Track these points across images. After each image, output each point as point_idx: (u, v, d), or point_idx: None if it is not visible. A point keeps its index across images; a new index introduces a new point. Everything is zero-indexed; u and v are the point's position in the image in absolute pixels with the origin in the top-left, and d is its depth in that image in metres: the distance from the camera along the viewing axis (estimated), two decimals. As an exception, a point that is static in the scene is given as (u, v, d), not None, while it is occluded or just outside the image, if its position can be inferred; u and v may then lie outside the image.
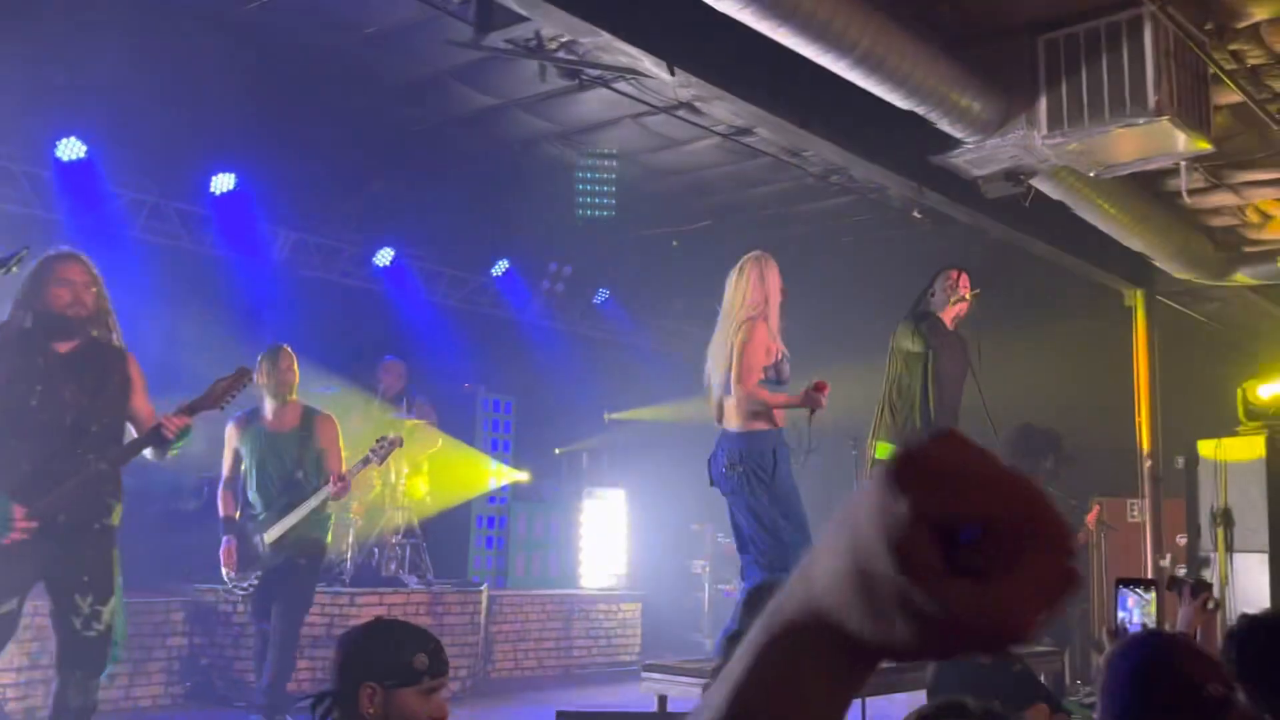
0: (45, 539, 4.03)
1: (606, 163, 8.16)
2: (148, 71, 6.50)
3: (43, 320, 4.20)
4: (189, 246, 8.14)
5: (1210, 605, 3.37)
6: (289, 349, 5.93)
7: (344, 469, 5.90)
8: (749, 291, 5.06)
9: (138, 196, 7.79)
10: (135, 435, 4.34)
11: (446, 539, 8.88)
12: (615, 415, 11.36)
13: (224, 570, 5.81)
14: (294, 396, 5.93)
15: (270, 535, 5.74)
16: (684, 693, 4.62)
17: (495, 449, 9.86)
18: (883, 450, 5.92)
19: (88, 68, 6.31)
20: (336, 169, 7.89)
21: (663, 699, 4.70)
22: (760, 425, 4.97)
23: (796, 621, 0.60)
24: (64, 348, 4.22)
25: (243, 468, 5.87)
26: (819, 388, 5.02)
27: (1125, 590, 2.48)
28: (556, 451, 10.81)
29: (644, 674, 4.82)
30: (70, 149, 7.15)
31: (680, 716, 3.99)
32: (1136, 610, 2.46)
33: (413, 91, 7.40)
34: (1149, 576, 2.56)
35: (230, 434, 5.88)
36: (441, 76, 7.18)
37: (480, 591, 8.21)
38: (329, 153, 7.62)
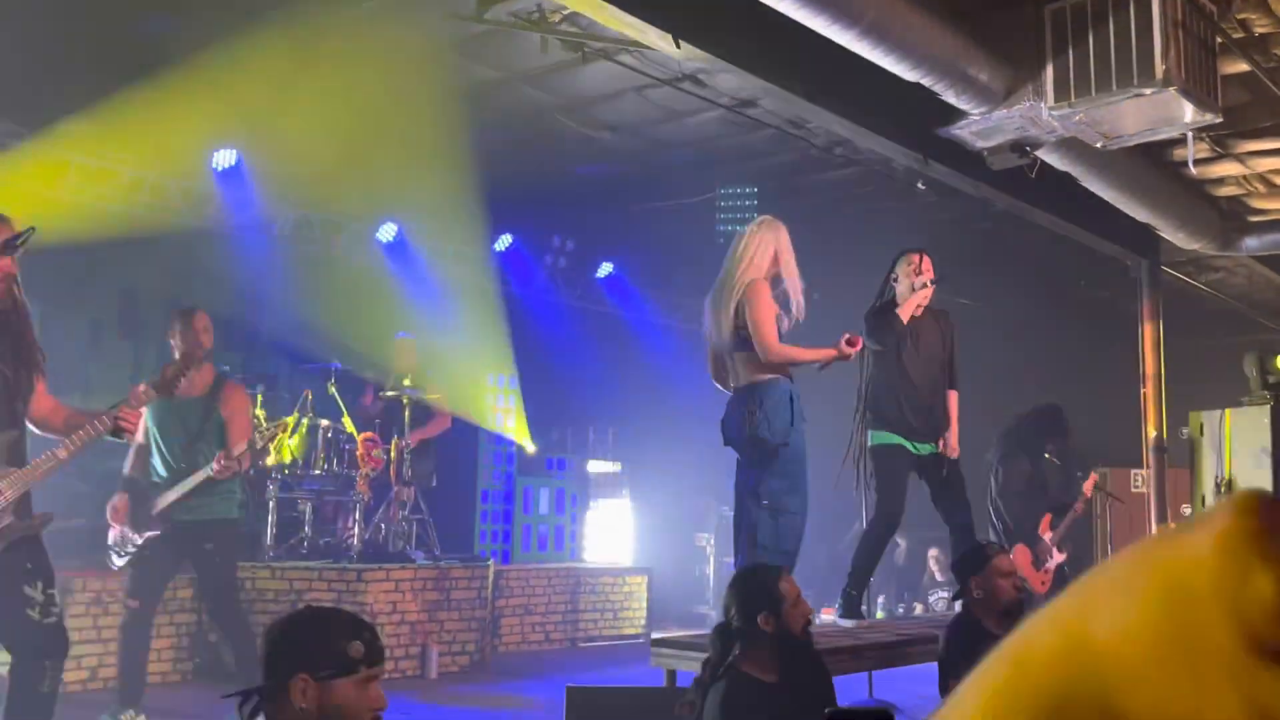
0: None
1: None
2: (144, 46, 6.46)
3: None
4: (191, 222, 8.11)
5: None
6: (204, 312, 5.61)
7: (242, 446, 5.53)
8: (755, 254, 5.06)
9: (137, 173, 7.76)
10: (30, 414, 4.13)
11: (451, 515, 8.90)
12: (618, 390, 11.37)
13: (111, 530, 5.41)
14: (207, 363, 5.59)
15: (160, 504, 5.41)
16: (693, 668, 4.63)
17: (500, 424, 9.87)
18: (882, 437, 5.92)
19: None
20: (338, 145, 7.84)
21: (672, 674, 4.72)
22: (772, 375, 4.97)
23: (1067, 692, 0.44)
24: None
25: (149, 433, 5.51)
26: (851, 342, 5.03)
27: None
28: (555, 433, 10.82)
29: (653, 649, 4.83)
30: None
31: (687, 691, 4.00)
32: None
33: (415, 64, 7.35)
34: None
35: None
36: (443, 50, 7.14)
37: (487, 566, 8.23)
38: (330, 128, 7.58)
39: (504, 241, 9.93)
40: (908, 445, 5.90)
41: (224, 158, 7.99)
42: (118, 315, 8.47)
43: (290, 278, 8.35)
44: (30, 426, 4.13)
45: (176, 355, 5.30)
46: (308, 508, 7.65)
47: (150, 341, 8.11)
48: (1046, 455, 8.66)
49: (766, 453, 4.94)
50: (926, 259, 6.11)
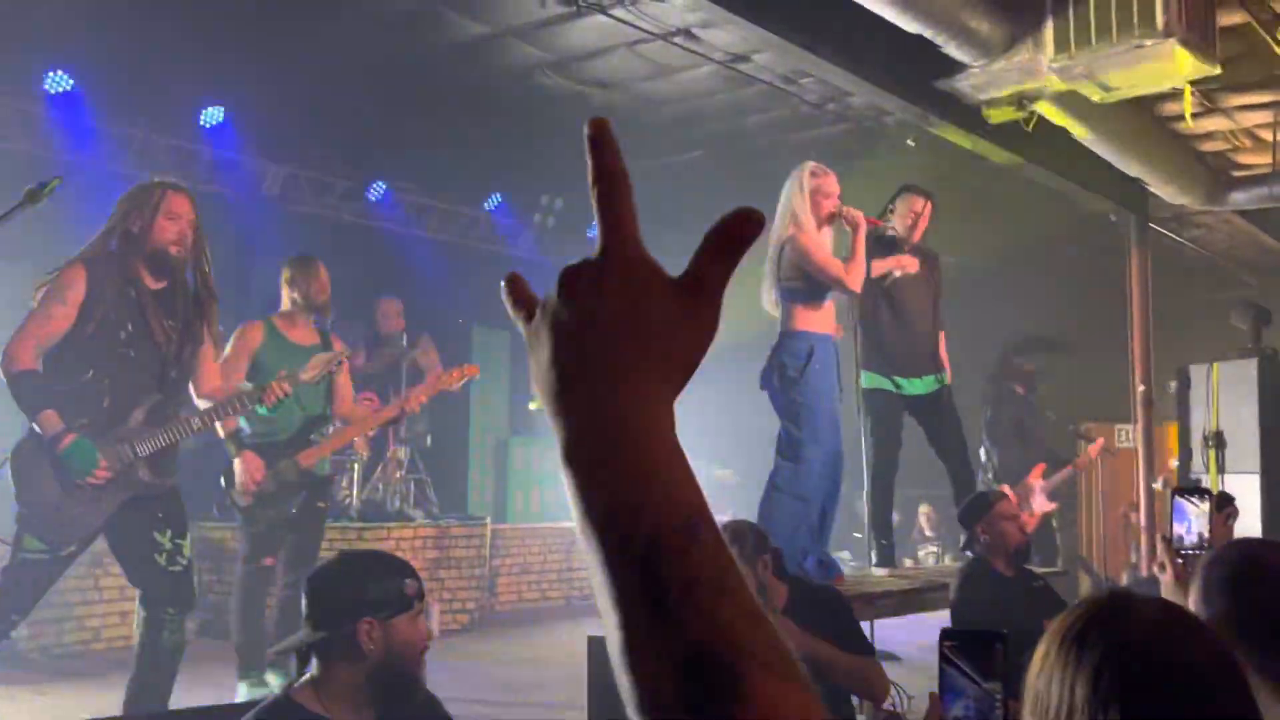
0: (122, 486, 3.96)
1: None
2: (135, 2, 6.34)
3: (137, 250, 4.03)
4: (180, 183, 8.00)
5: (1231, 519, 3.45)
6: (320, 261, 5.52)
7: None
8: (779, 218, 5.07)
9: (127, 130, 7.64)
10: (194, 390, 4.32)
11: (445, 474, 8.89)
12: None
13: (242, 491, 5.01)
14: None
15: (306, 459, 5.22)
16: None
17: (493, 382, 9.84)
18: (868, 379, 5.94)
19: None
20: (327, 101, 7.75)
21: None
22: (802, 326, 5.03)
23: None
24: (156, 285, 4.08)
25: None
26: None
27: (1182, 500, 2.51)
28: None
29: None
30: (58, 82, 6.99)
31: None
32: (1194, 519, 2.49)
33: (405, 20, 7.26)
34: (1204, 488, 2.64)
35: (253, 337, 5.24)
36: (434, 4, 7.05)
37: (485, 525, 8.24)
38: (319, 85, 7.48)
39: (493, 200, 9.86)
40: (893, 387, 5.95)
41: (212, 115, 7.87)
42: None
43: (279, 237, 8.27)
44: (193, 396, 4.34)
45: (290, 304, 5.31)
46: (306, 467, 7.61)
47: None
48: (1018, 391, 8.77)
49: (782, 402, 4.99)
50: (929, 207, 6.09)
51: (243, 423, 5.06)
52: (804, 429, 4.95)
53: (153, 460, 4.04)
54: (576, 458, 0.66)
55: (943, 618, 4.65)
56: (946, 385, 6.10)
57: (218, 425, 4.83)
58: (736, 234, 0.70)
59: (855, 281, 5.03)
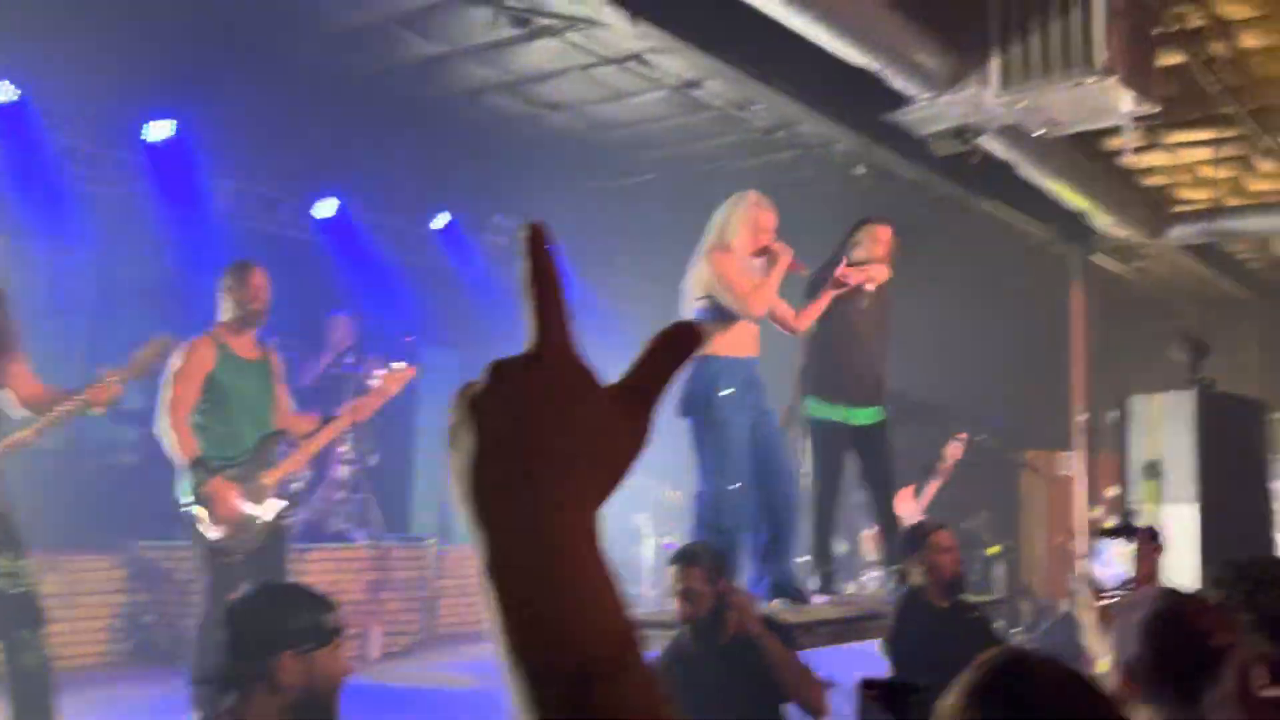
0: None
1: None
2: (83, 13, 6.28)
3: None
4: (125, 196, 7.91)
5: (1157, 554, 3.53)
6: (261, 268, 5.20)
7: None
8: (719, 225, 5.11)
9: (72, 143, 7.54)
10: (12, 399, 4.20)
11: (390, 494, 8.82)
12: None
13: (220, 525, 4.76)
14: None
15: (278, 473, 5.04)
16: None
17: (440, 401, 9.79)
18: (818, 408, 5.95)
19: (20, 8, 6.07)
20: (278, 117, 7.70)
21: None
22: (710, 350, 4.98)
23: None
24: None
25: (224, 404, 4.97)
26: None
27: (1105, 541, 2.56)
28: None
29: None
30: (3, 92, 6.89)
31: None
32: (1117, 561, 2.53)
33: (357, 38, 7.25)
34: (1129, 525, 2.70)
35: (205, 355, 4.95)
36: (387, 23, 7.05)
37: (428, 546, 8.18)
38: (270, 100, 7.44)
39: (443, 218, 9.82)
40: (845, 418, 5.93)
41: (159, 129, 7.79)
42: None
43: (226, 252, 8.19)
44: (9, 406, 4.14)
45: (228, 313, 5.02)
46: (245, 487, 7.52)
47: (83, 316, 7.90)
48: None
49: (694, 428, 4.99)
50: (890, 233, 6.10)
51: (203, 446, 4.85)
52: (714, 458, 4.96)
53: None
54: (499, 573, 0.63)
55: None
56: (886, 418, 6.12)
57: (173, 452, 4.78)
58: (675, 346, 0.69)
59: (757, 306, 5.01)
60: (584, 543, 0.64)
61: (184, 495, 4.86)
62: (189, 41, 6.76)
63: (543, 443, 0.65)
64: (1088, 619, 2.32)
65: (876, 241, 6.06)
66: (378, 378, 5.52)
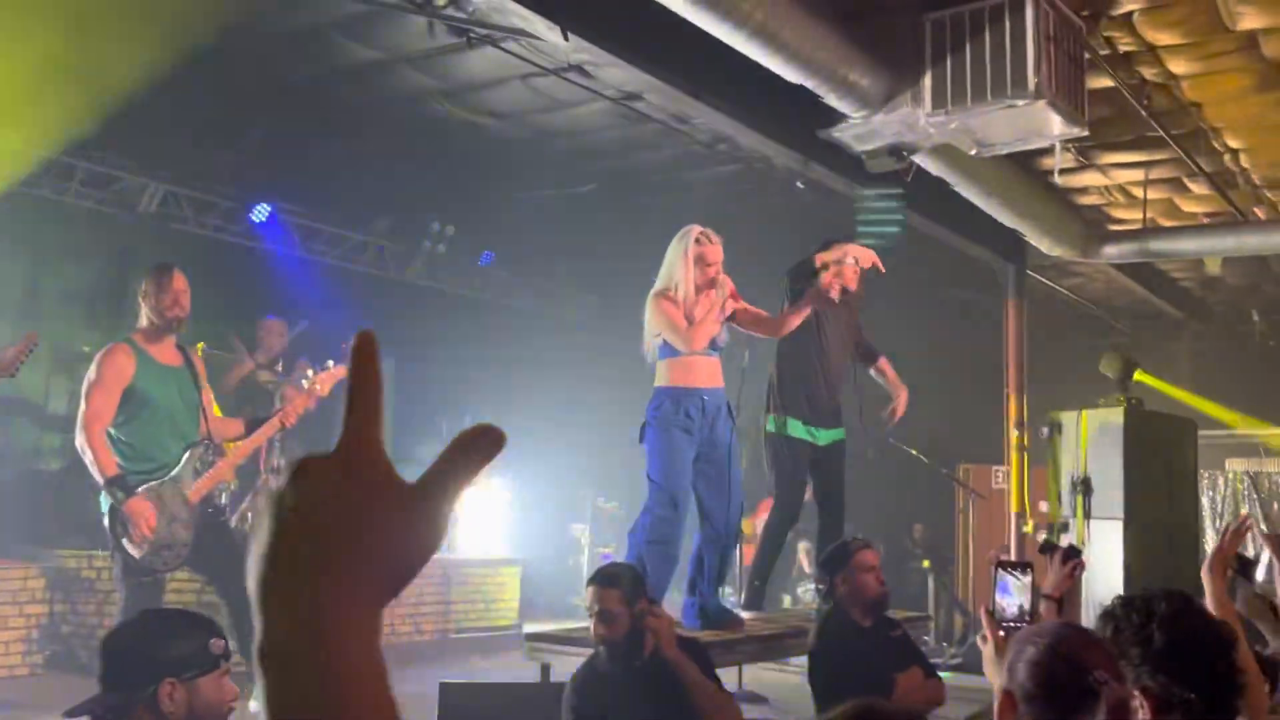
0: None
1: None
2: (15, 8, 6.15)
3: None
4: (51, 196, 7.75)
5: (1078, 571, 3.57)
6: (181, 272, 5.01)
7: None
8: (663, 267, 5.14)
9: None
10: None
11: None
12: (496, 378, 11.29)
13: (139, 542, 4.67)
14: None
15: (202, 487, 4.94)
16: (568, 664, 4.63)
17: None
18: (793, 427, 5.92)
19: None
20: (211, 118, 7.60)
21: (546, 668, 4.71)
22: (667, 382, 5.11)
23: None
24: None
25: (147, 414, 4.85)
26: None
27: (1005, 573, 2.58)
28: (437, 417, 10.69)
29: (528, 644, 4.82)
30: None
31: (562, 686, 4.00)
32: (1016, 593, 2.56)
33: (294, 42, 7.16)
34: (1026, 560, 2.80)
35: (124, 364, 4.81)
36: (324, 28, 6.97)
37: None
38: (203, 101, 7.33)
39: (382, 225, 9.74)
40: (810, 437, 5.92)
41: (87, 128, 7.64)
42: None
43: (157, 255, 8.05)
44: None
45: (146, 319, 4.88)
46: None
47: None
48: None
49: (648, 453, 5.04)
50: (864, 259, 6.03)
51: (122, 462, 4.74)
52: (662, 481, 5.00)
53: None
54: (271, 658, 0.65)
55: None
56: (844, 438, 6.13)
57: (92, 469, 4.66)
58: (475, 449, 0.71)
59: (696, 343, 5.04)
60: (359, 640, 0.66)
61: (104, 513, 4.77)
62: (119, 38, 6.63)
63: (330, 543, 0.67)
64: (986, 650, 2.33)
65: (843, 263, 6.06)
66: (308, 379, 5.43)
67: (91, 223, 7.89)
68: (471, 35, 6.67)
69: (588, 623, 3.95)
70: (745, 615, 5.50)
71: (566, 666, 4.61)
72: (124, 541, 4.69)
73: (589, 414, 10.56)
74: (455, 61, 7.32)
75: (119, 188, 8.14)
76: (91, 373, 4.80)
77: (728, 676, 6.44)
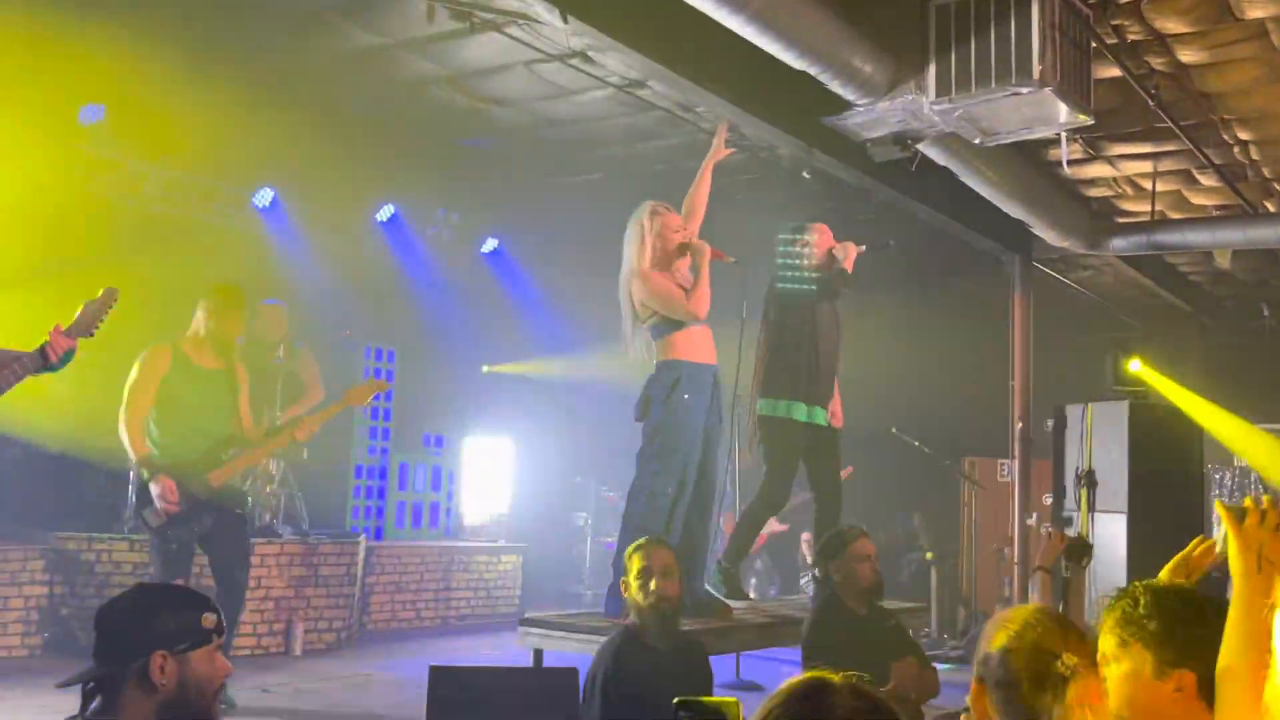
0: None
1: None
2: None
3: None
4: (49, 180, 7.74)
5: (1085, 561, 3.61)
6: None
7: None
8: (629, 252, 5.12)
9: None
10: None
11: (324, 489, 8.71)
12: (495, 368, 11.27)
13: (161, 512, 5.38)
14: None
15: (221, 475, 5.61)
16: (560, 647, 4.62)
17: (377, 398, 9.68)
18: (794, 409, 5.88)
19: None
20: (213, 104, 7.57)
21: (538, 653, 4.70)
22: (672, 355, 5.08)
23: None
24: None
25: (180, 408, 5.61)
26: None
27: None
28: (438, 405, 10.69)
29: (521, 628, 4.81)
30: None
31: (554, 671, 3.98)
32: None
33: (295, 26, 7.13)
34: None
35: (161, 365, 5.61)
36: (325, 12, 6.93)
37: (357, 542, 8.08)
38: (205, 86, 7.30)
39: (386, 212, 9.73)
40: (804, 416, 5.85)
41: (90, 114, 7.65)
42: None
43: (161, 240, 8.05)
44: None
45: (203, 331, 5.68)
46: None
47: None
48: None
49: (644, 433, 4.99)
50: (828, 231, 6.13)
51: (152, 447, 5.50)
52: (659, 458, 4.95)
53: None
54: None
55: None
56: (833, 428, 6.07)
57: (129, 449, 5.41)
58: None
59: (699, 308, 5.06)
60: None
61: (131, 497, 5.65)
62: (122, 23, 6.62)
63: None
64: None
65: (823, 240, 6.10)
66: (346, 391, 6.07)
67: (95, 207, 7.87)
68: (474, 20, 6.62)
69: (586, 610, 3.95)
70: (735, 605, 5.46)
71: (558, 651, 4.60)
72: (145, 512, 5.42)
73: (591, 401, 10.55)
74: (458, 47, 7.27)
75: (122, 174, 8.13)
76: (134, 371, 5.57)
77: (724, 666, 6.44)
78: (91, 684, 2.34)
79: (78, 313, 4.19)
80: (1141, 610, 1.92)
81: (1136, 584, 2.04)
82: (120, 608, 2.42)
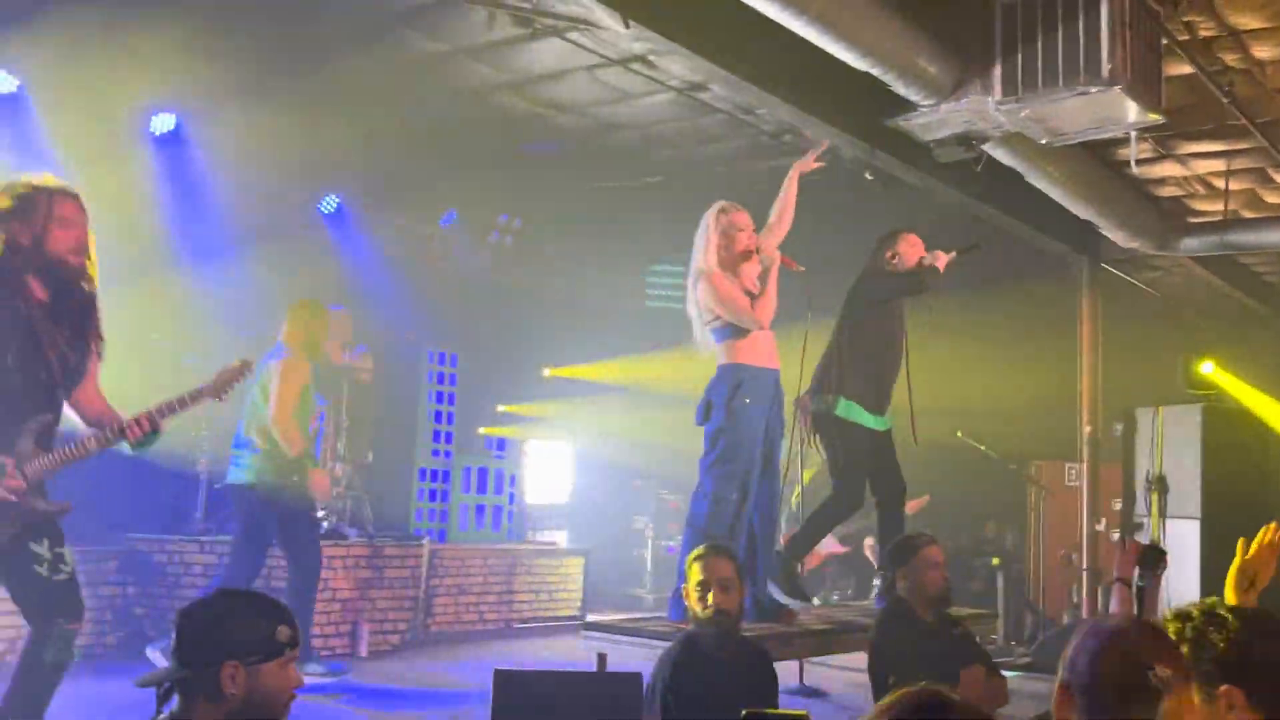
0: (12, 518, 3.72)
1: None
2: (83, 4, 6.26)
3: (28, 263, 3.74)
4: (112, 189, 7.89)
5: (1160, 569, 3.54)
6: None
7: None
8: (698, 250, 5.11)
9: (68, 133, 7.53)
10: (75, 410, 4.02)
11: (389, 492, 8.79)
12: (556, 371, 11.31)
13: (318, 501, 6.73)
14: None
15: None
16: (624, 653, 4.62)
17: (440, 402, 9.76)
18: (873, 419, 5.83)
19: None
20: (280, 111, 7.68)
21: (602, 657, 4.69)
22: (733, 359, 5.08)
23: None
24: (43, 296, 3.80)
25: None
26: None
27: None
28: (500, 409, 10.75)
29: (584, 632, 4.81)
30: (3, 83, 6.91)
31: (618, 676, 3.98)
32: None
33: (359, 35, 7.21)
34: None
35: (304, 374, 6.48)
36: (389, 20, 7.01)
37: (421, 545, 8.15)
38: (272, 96, 7.41)
39: (447, 217, 9.81)
40: (873, 423, 5.82)
41: (162, 122, 7.80)
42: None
43: (230, 245, 8.18)
44: (69, 412, 4.00)
45: (297, 345, 6.54)
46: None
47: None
48: None
49: (706, 436, 4.98)
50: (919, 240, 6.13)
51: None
52: (722, 462, 4.93)
53: (39, 485, 3.82)
54: None
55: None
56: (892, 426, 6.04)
57: (285, 446, 6.22)
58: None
59: (764, 317, 5.04)
60: None
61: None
62: (190, 32, 6.73)
63: None
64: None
65: (913, 248, 6.05)
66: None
67: (160, 213, 8.01)
68: (535, 26, 6.66)
69: (648, 614, 3.94)
70: (796, 605, 5.40)
71: (622, 656, 4.60)
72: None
73: (653, 406, 10.54)
74: (519, 53, 7.31)
75: (190, 181, 8.26)
76: (276, 378, 6.32)
77: (787, 671, 6.39)
78: (167, 685, 2.38)
79: (214, 375, 4.21)
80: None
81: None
82: (199, 611, 2.44)
